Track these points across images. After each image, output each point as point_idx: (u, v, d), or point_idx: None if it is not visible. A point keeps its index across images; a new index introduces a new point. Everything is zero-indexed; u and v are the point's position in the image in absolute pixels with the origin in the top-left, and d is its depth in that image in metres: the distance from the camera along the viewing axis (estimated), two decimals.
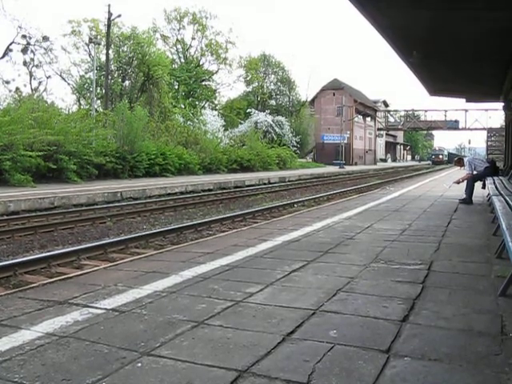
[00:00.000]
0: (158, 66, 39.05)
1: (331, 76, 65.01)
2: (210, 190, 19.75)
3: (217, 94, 60.45)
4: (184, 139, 29.98)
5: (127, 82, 42.34)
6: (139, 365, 2.52)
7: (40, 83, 43.37)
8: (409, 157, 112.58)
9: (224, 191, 19.37)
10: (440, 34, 8.21)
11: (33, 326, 3.07)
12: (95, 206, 13.30)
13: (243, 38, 68.87)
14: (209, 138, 32.86)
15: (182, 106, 44.36)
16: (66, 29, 47.70)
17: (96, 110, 30.65)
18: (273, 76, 65.11)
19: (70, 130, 19.91)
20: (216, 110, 51.71)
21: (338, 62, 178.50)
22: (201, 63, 58.45)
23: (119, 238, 8.35)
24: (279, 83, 65.23)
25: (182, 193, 18.07)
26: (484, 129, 61.71)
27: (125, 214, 11.85)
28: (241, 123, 48.00)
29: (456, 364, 2.54)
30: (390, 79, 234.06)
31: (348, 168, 45.05)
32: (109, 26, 31.20)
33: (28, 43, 40.33)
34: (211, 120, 40.94)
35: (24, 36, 39.47)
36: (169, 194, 17.23)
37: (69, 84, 46.83)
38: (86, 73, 45.47)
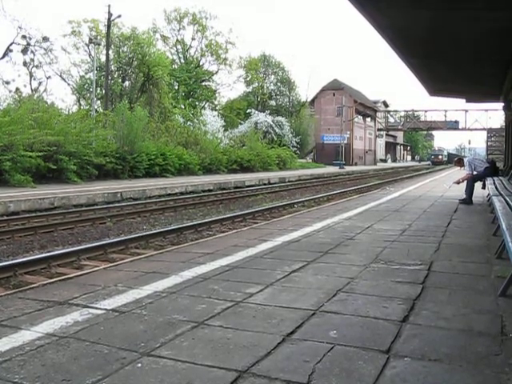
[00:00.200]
0: (158, 67, 39.09)
1: (331, 76, 65.06)
2: (210, 190, 19.75)
3: (217, 95, 60.55)
4: (184, 140, 29.98)
5: (127, 83, 42.39)
6: (139, 365, 2.52)
7: (40, 84, 43.45)
8: (409, 157, 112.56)
9: (224, 192, 19.37)
10: (440, 34, 8.20)
11: (33, 327, 3.07)
12: (95, 207, 13.31)
13: (243, 38, 69.01)
14: (209, 139, 32.87)
15: (182, 107, 44.40)
16: (66, 29, 47.87)
17: (96, 110, 30.67)
18: (273, 76, 65.18)
19: (70, 131, 19.91)
20: (216, 110, 51.71)
21: (338, 63, 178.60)
22: (201, 63, 58.49)
23: (119, 239, 8.35)
24: (279, 83, 65.27)
25: (182, 193, 18.07)
26: (484, 129, 61.71)
27: (125, 215, 11.84)
28: (241, 123, 48.01)
29: (456, 364, 2.54)
30: (389, 79, 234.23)
31: (348, 168, 45.06)
32: (109, 26, 31.21)
33: (28, 44, 40.37)
34: (211, 120, 40.94)
35: (24, 36, 39.52)
36: (169, 195, 17.23)
37: (69, 84, 46.93)
38: (85, 73, 45.55)
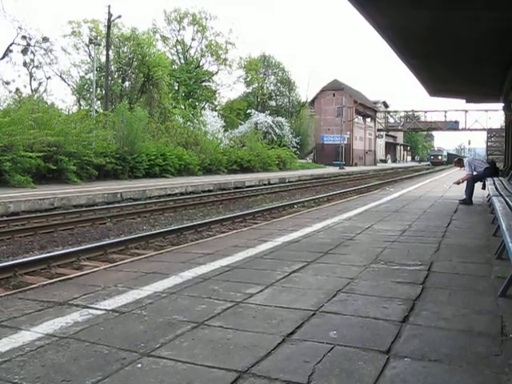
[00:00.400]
0: (158, 67, 39.10)
1: (331, 77, 64.87)
2: (209, 190, 19.75)
3: (217, 95, 60.59)
4: (184, 140, 29.99)
5: (127, 83, 42.39)
6: (139, 366, 2.52)
7: (40, 84, 43.46)
8: (409, 157, 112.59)
9: (224, 192, 19.37)
10: (440, 34, 8.20)
11: (33, 327, 3.07)
12: (95, 207, 13.31)
13: (243, 38, 69.07)
14: (209, 139, 32.89)
15: (182, 107, 44.39)
16: (66, 30, 47.91)
17: (96, 110, 30.67)
18: (273, 77, 65.24)
19: (70, 131, 19.93)
20: (216, 110, 51.74)
21: (338, 63, 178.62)
22: (201, 64, 58.52)
23: (119, 239, 8.35)
24: (279, 84, 65.33)
25: (182, 193, 18.07)
26: (484, 129, 61.72)
27: (125, 215, 11.84)
28: (241, 124, 48.04)
29: (456, 365, 2.54)
30: (389, 80, 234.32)
31: (348, 169, 45.07)
32: (109, 26, 31.22)
33: (28, 44, 40.39)
34: (211, 121, 40.97)
35: (24, 37, 39.53)
36: (169, 195, 17.23)
37: (69, 85, 46.96)
38: (86, 74, 45.58)
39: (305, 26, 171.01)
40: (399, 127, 73.87)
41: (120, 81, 41.98)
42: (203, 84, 57.91)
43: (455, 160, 13.52)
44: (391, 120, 74.92)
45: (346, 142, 54.32)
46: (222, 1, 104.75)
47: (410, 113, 68.05)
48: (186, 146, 28.93)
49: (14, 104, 24.29)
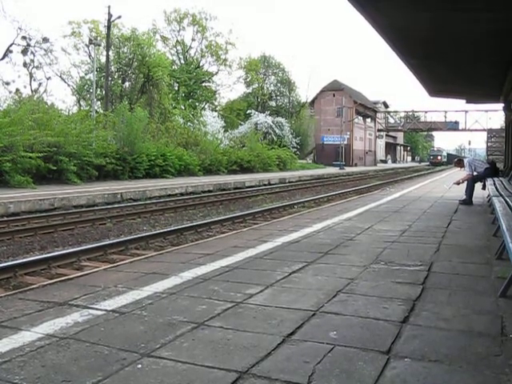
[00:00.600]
0: (158, 68, 39.09)
1: (331, 77, 64.79)
2: (210, 191, 19.76)
3: (217, 95, 60.58)
4: (184, 140, 30.00)
5: (127, 84, 42.40)
6: (139, 366, 2.52)
7: (40, 84, 43.42)
8: (409, 158, 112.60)
9: (224, 192, 19.37)
10: (440, 34, 8.20)
11: (33, 328, 3.07)
12: (95, 208, 13.31)
13: (243, 38, 69.01)
14: (209, 139, 32.89)
15: (182, 108, 44.39)
16: (66, 30, 47.82)
17: (96, 111, 30.65)
18: (273, 77, 65.23)
19: (70, 132, 19.92)
20: (216, 111, 51.75)
21: (338, 63, 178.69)
22: (201, 64, 58.53)
23: (119, 240, 8.35)
24: (279, 84, 65.32)
25: (182, 194, 18.07)
26: (484, 130, 61.68)
27: (125, 216, 11.84)
28: (241, 124, 48.03)
29: (456, 365, 2.54)
30: (389, 80, 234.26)
31: (348, 169, 45.06)
32: (109, 27, 31.23)
33: (28, 44, 40.37)
34: (211, 121, 40.97)
35: (24, 37, 39.52)
36: (169, 195, 17.23)
37: (69, 85, 46.96)
38: (86, 74, 45.58)
39: (305, 26, 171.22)
40: (399, 127, 73.88)
41: (120, 81, 41.98)
42: (203, 84, 57.91)
43: (455, 160, 13.52)
44: (391, 120, 74.93)
45: (345, 142, 54.32)
46: (222, 1, 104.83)
47: (410, 113, 68.06)
48: (186, 147, 28.93)
49: (14, 104, 24.26)
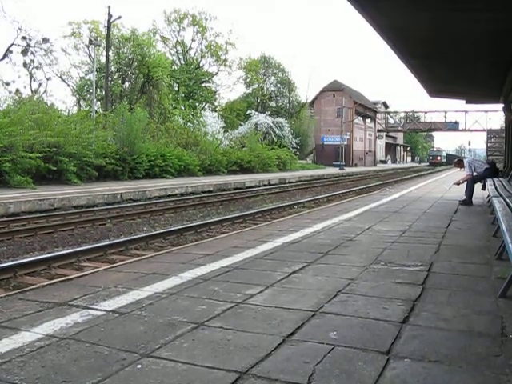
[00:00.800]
0: (158, 68, 39.11)
1: (331, 77, 64.99)
2: (209, 191, 19.76)
3: (217, 96, 60.58)
4: (184, 141, 30.00)
5: (127, 84, 42.40)
6: (139, 366, 2.52)
7: (40, 85, 43.40)
8: (409, 158, 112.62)
9: (224, 193, 19.37)
10: (440, 34, 8.20)
11: (33, 328, 3.07)
12: (95, 208, 13.31)
13: (243, 39, 69.12)
14: (209, 140, 32.91)
15: (182, 108, 44.42)
16: (66, 30, 47.74)
17: (96, 111, 30.64)
18: (273, 77, 65.23)
19: (70, 132, 19.93)
20: (216, 111, 51.76)
21: (338, 63, 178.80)
22: (201, 65, 58.54)
23: (119, 240, 8.35)
24: (279, 85, 65.32)
25: (181, 194, 18.08)
26: (484, 130, 61.67)
27: (125, 216, 11.85)
28: (241, 125, 48.04)
29: (456, 365, 2.54)
30: (389, 81, 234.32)
31: (348, 169, 45.06)
32: (109, 27, 31.23)
33: (28, 45, 40.35)
34: (211, 121, 40.96)
35: (24, 37, 39.50)
36: (169, 196, 17.23)
37: (69, 86, 46.95)
38: (85, 74, 45.59)
39: (305, 26, 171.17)
40: (399, 128, 73.88)
41: (120, 81, 41.98)
42: (203, 85, 57.92)
43: (455, 161, 13.52)
44: (391, 121, 74.93)
45: (345, 142, 54.33)
46: (222, 1, 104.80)
47: (410, 113, 68.05)
48: (186, 147, 28.94)
49: (14, 105, 24.24)
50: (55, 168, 18.34)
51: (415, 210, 9.98)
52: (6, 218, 10.91)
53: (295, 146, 48.44)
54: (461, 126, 63.33)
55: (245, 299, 3.68)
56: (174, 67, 52.97)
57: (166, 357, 2.63)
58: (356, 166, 58.24)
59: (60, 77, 45.74)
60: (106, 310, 3.43)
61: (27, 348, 2.75)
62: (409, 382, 2.36)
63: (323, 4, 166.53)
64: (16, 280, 5.97)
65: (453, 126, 64.34)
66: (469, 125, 61.82)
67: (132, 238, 8.54)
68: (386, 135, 79.84)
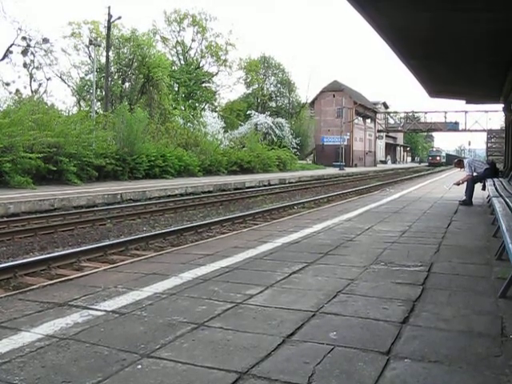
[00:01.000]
0: (158, 68, 39.12)
1: (331, 77, 65.08)
2: (209, 191, 19.76)
3: (217, 96, 60.62)
4: (184, 141, 30.00)
5: (127, 84, 42.42)
6: (139, 367, 2.52)
7: (40, 85, 43.44)
8: (409, 158, 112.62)
9: (224, 193, 19.37)
10: (440, 34, 8.20)
11: (33, 328, 3.07)
12: (95, 208, 13.32)
13: (243, 39, 69.05)
14: (209, 140, 32.91)
15: (182, 108, 44.44)
16: (66, 31, 47.83)
17: (96, 111, 30.67)
18: (273, 78, 65.26)
19: (70, 132, 19.93)
20: (216, 111, 51.78)
21: (338, 64, 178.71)
22: (201, 65, 58.56)
23: (119, 240, 8.35)
24: (279, 85, 65.35)
25: (181, 194, 18.08)
26: (484, 130, 61.72)
27: (125, 216, 11.85)
28: (241, 125, 48.07)
29: (456, 366, 2.54)
30: (389, 81, 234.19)
31: (348, 170, 45.05)
32: (109, 27, 31.23)
33: (28, 45, 40.39)
34: (211, 122, 40.98)
35: (24, 38, 39.55)
36: (169, 196, 17.23)
37: (69, 86, 46.99)
38: (86, 75, 45.62)
39: (305, 27, 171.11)
40: (399, 128, 73.87)
41: (120, 82, 42.00)
42: (203, 85, 57.94)
43: (455, 161, 13.52)
44: (391, 121, 74.96)
45: (345, 143, 54.33)
46: (222, 1, 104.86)
47: (410, 114, 68.05)
48: (186, 147, 28.94)
49: (14, 105, 24.26)
50: (55, 168, 18.34)
51: (415, 211, 9.98)
52: (6, 219, 10.91)
53: (295, 146, 48.44)
54: (461, 127, 63.34)
55: (245, 299, 3.68)
56: (174, 67, 53.01)
57: (166, 357, 2.62)
58: (356, 166, 58.23)
59: (60, 77, 45.85)
60: (105, 311, 3.42)
61: (27, 348, 2.75)
62: (409, 383, 2.35)
63: (323, 4, 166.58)
64: (16, 280, 5.97)
65: (453, 127, 64.34)
66: (469, 125, 61.89)
67: (132, 238, 8.54)
68: (386, 135, 79.83)
